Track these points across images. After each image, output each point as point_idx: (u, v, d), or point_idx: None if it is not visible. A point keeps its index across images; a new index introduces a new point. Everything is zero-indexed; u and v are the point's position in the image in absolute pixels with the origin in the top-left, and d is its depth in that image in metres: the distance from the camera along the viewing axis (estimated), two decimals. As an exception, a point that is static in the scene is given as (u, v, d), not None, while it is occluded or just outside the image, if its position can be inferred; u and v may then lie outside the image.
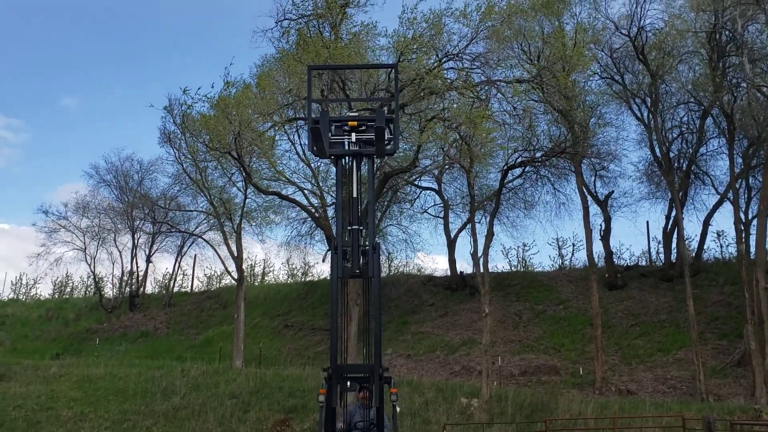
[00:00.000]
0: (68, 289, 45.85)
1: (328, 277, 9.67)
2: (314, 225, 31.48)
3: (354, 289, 9.66)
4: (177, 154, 31.37)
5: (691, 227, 44.32)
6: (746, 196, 28.64)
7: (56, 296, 45.39)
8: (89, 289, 43.84)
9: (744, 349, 24.27)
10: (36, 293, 46.54)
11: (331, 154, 9.57)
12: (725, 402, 21.77)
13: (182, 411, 22.56)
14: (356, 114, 10.52)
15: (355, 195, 9.56)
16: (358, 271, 9.22)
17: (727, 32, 25.93)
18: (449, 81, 22.64)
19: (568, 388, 24.17)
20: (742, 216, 27.11)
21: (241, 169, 26.62)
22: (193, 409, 22.61)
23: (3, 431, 21.41)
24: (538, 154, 27.49)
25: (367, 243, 9.29)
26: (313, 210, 29.79)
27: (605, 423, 19.55)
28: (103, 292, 40.68)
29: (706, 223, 31.32)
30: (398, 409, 10.88)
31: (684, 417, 18.74)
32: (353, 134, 9.44)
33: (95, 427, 21.77)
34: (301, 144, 29.05)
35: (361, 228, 9.34)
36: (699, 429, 17.63)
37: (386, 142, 9.45)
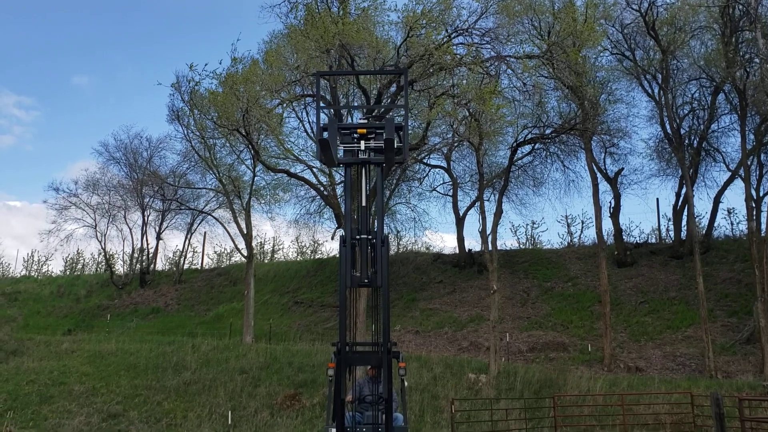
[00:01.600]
0: (79, 266, 46.22)
1: (338, 255, 9.64)
2: (323, 203, 31.49)
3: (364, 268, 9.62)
4: (185, 132, 31.45)
5: (702, 205, 44.14)
6: (758, 173, 28.37)
7: (67, 273, 45.77)
8: (100, 266, 44.16)
9: (753, 327, 24.23)
10: (47, 270, 47.01)
11: (340, 163, 9.49)
12: (734, 379, 21.79)
13: (193, 386, 22.81)
14: (365, 121, 10.42)
15: (364, 204, 9.52)
16: (366, 280, 9.24)
17: (740, 6, 25.51)
18: (458, 56, 22.47)
19: (577, 365, 24.25)
20: (754, 193, 26.89)
21: (250, 146, 26.61)
22: (203, 384, 22.85)
23: (17, 405, 21.73)
24: (548, 131, 27.33)
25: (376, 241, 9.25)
26: (321, 188, 29.79)
27: (614, 399, 19.61)
28: (113, 269, 40.95)
29: (717, 201, 31.15)
30: (406, 383, 10.97)
31: (692, 394, 18.79)
32: (362, 142, 9.34)
33: (107, 401, 22.05)
34: (309, 122, 28.98)
35: (370, 237, 9.32)
36: (707, 406, 17.68)
37: (395, 150, 9.35)
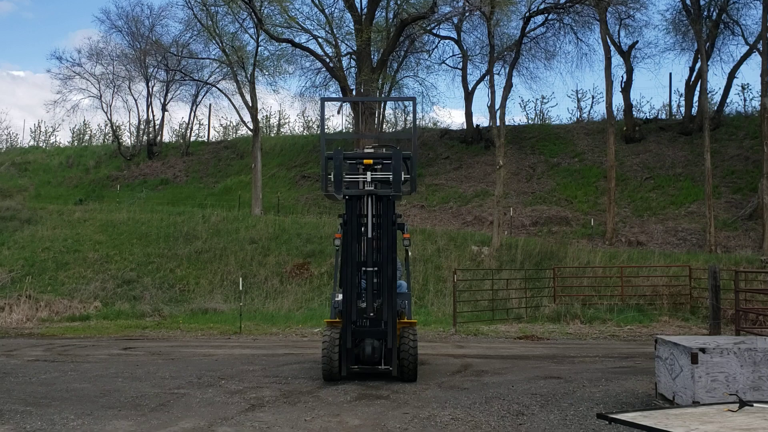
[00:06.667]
0: (86, 137, 46.19)
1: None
2: (329, 75, 30.87)
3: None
4: (186, -2, 30.35)
5: (716, 81, 43.21)
6: (777, 47, 27.52)
7: (75, 144, 45.83)
8: (107, 137, 44.10)
9: (757, 203, 24.41)
10: (55, 140, 47.06)
11: (345, 195, 9.38)
12: (733, 254, 22.22)
13: (204, 254, 23.46)
14: (371, 150, 10.28)
15: (370, 236, 9.43)
16: (372, 314, 9.30)
17: None
18: None
19: (579, 239, 24.69)
20: (771, 68, 26.22)
21: (252, 13, 25.80)
22: (214, 252, 23.49)
23: (34, 271, 22.50)
24: (562, 0, 26.35)
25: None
26: (327, 59, 29.14)
27: (613, 272, 20.14)
28: (121, 140, 40.93)
29: (732, 76, 30.44)
30: (410, 253, 11.28)
31: (691, 267, 19.24)
32: (368, 173, 9.36)
33: (121, 268, 22.78)
34: (315, -12, 27.95)
35: (376, 269, 9.33)
36: (704, 278, 18.12)
37: (403, 181, 9.34)
